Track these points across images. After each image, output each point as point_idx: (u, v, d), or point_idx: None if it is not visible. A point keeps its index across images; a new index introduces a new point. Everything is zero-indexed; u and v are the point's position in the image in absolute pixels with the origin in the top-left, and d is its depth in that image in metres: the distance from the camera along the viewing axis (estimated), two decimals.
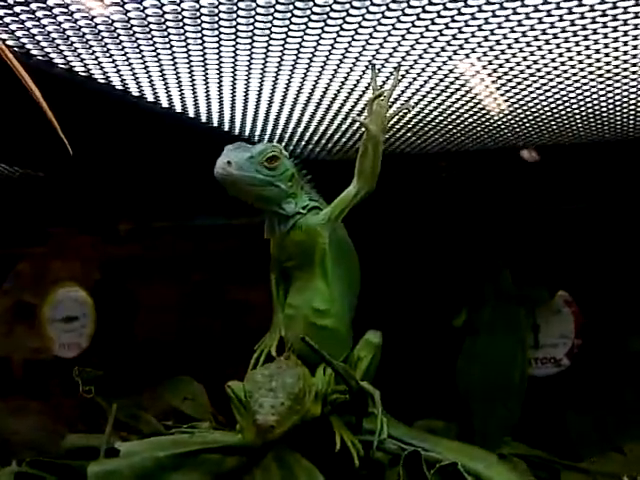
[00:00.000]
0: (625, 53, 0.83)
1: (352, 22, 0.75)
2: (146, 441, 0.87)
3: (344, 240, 0.96)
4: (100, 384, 0.98)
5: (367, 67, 0.88)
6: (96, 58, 0.87)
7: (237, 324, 1.39)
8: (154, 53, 0.85)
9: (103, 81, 0.96)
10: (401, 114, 1.06)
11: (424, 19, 0.74)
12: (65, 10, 0.73)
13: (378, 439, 0.85)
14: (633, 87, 0.96)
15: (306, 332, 0.85)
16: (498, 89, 0.97)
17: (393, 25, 0.75)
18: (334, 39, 0.80)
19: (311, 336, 0.82)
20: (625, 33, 0.78)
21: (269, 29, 0.77)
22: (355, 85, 0.96)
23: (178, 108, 1.09)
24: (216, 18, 0.74)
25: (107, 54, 0.85)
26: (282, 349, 0.92)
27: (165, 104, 1.07)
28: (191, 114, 1.12)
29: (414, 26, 0.76)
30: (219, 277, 1.46)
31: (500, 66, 0.89)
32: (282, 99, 1.03)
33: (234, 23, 0.75)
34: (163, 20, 0.75)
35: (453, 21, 0.74)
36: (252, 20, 0.74)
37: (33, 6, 0.72)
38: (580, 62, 0.86)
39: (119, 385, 1.04)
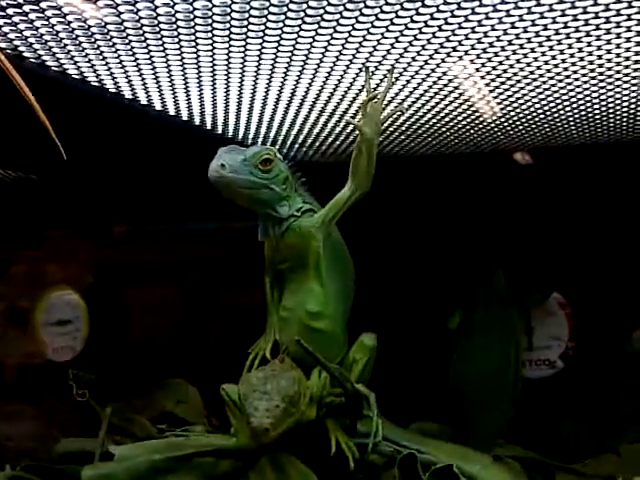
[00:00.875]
0: (618, 55, 0.84)
1: (345, 24, 0.75)
2: (140, 444, 0.87)
3: (338, 242, 0.96)
4: (94, 388, 0.97)
5: (361, 69, 0.89)
6: (89, 61, 0.87)
7: (231, 327, 1.39)
8: (147, 56, 0.85)
9: (96, 84, 0.96)
10: (395, 116, 1.06)
11: (417, 21, 0.74)
12: (58, 12, 0.73)
13: (373, 441, 0.85)
14: (626, 89, 0.96)
15: (300, 334, 0.85)
16: (491, 92, 0.98)
17: (386, 27, 0.76)
18: (328, 41, 0.80)
19: (305, 338, 0.82)
20: (618, 35, 0.78)
21: (262, 31, 0.77)
22: (349, 87, 0.96)
23: (171, 111, 1.09)
24: (209, 21, 0.74)
25: (100, 57, 0.85)
26: (276, 352, 0.92)
27: (158, 107, 1.07)
28: (184, 117, 1.12)
29: (407, 28, 0.76)
30: (213, 280, 1.45)
31: (493, 68, 0.89)
32: (276, 101, 1.03)
33: (227, 26, 0.75)
34: (156, 23, 0.75)
35: (446, 23, 0.75)
36: (245, 22, 0.74)
37: (26, 8, 0.72)
38: (573, 64, 0.87)
39: (113, 388, 1.03)
